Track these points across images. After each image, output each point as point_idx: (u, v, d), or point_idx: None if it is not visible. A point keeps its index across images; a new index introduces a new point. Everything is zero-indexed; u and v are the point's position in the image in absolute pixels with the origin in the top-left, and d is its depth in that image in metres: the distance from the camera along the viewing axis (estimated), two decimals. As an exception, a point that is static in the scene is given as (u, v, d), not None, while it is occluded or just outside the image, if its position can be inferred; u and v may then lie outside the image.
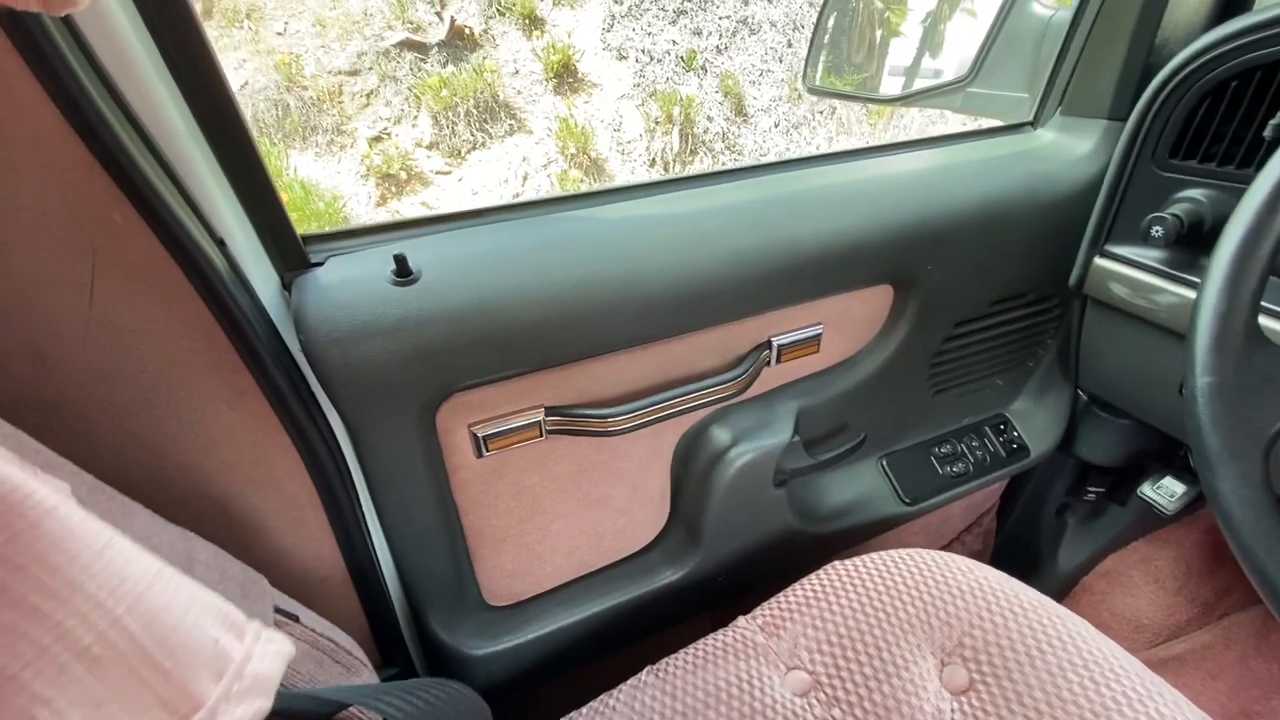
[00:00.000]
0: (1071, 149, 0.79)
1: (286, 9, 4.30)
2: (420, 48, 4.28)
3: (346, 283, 0.53)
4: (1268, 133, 0.61)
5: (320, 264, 0.55)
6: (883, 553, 0.69)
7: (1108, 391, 0.88)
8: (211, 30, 4.07)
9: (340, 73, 4.22)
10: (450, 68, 4.27)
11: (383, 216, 3.93)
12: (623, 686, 0.64)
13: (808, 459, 0.81)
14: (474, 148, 4.22)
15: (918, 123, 4.53)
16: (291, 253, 0.53)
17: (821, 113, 4.61)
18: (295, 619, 0.51)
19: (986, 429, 0.95)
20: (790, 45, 4.60)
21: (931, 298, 0.76)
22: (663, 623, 0.85)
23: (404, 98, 4.22)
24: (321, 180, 3.99)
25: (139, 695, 0.19)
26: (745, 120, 4.54)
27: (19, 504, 0.18)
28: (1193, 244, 0.69)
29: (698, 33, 4.55)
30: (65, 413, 0.43)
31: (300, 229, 0.54)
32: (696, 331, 0.66)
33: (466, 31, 4.36)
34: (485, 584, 0.73)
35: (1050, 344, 0.92)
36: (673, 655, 0.66)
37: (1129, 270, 0.74)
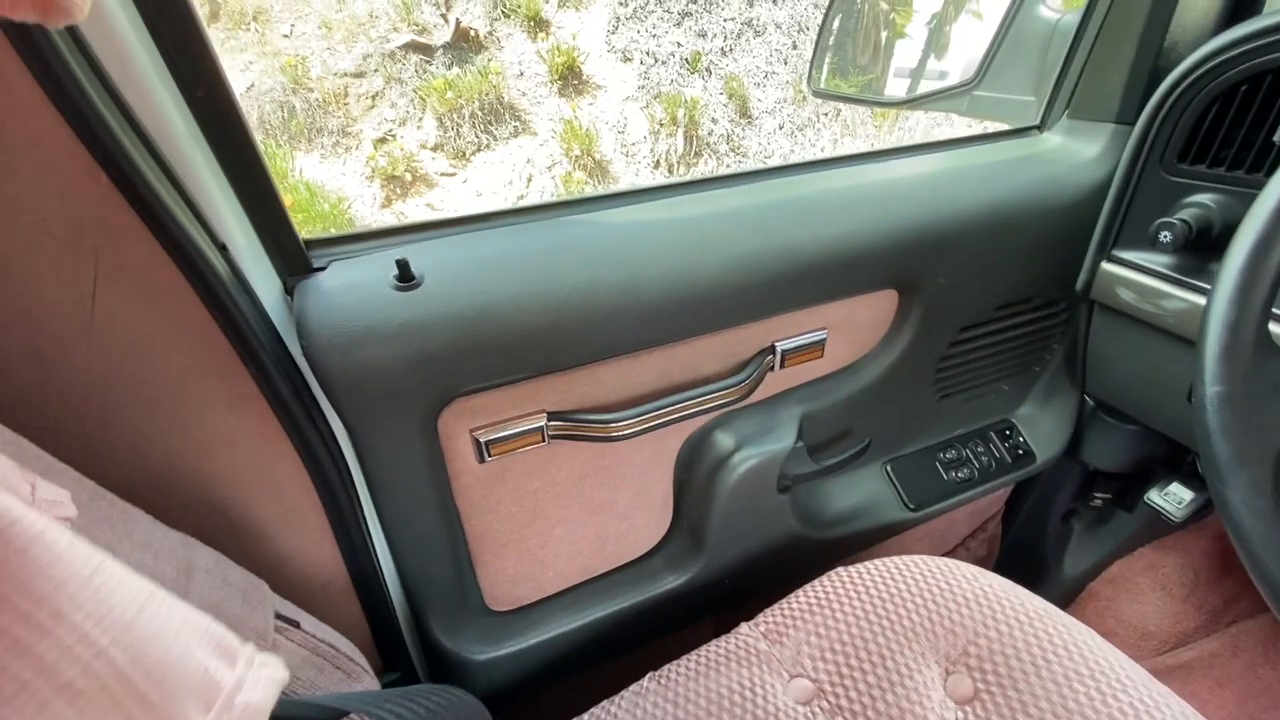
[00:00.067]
0: (1079, 153, 0.78)
1: (293, 11, 4.31)
2: (425, 50, 4.30)
3: (349, 287, 0.52)
4: (1278, 138, 0.61)
5: (323, 269, 0.54)
6: (887, 559, 0.69)
7: (1115, 397, 0.88)
8: (218, 32, 4.10)
9: (346, 75, 4.23)
10: (455, 70, 4.28)
11: (387, 217, 3.94)
12: (625, 693, 0.63)
13: (811, 464, 0.80)
14: (478, 149, 4.23)
15: (923, 125, 4.53)
16: (294, 257, 0.53)
17: (826, 115, 4.60)
18: (296, 625, 0.51)
19: (992, 434, 0.94)
20: (795, 47, 4.60)
21: (936, 302, 0.75)
22: (665, 628, 0.85)
23: (409, 100, 4.23)
24: (327, 182, 4.01)
25: None
26: (750, 122, 4.54)
27: (4, 530, 0.18)
28: (1201, 249, 0.69)
29: (702, 35, 4.55)
30: (66, 418, 0.43)
31: (305, 230, 0.54)
32: (700, 336, 0.66)
33: (471, 33, 4.38)
34: (487, 589, 0.73)
35: (1056, 349, 0.91)
36: (675, 662, 0.65)
37: (1137, 275, 0.74)
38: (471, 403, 0.59)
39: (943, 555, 1.08)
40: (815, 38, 1.16)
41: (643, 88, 4.44)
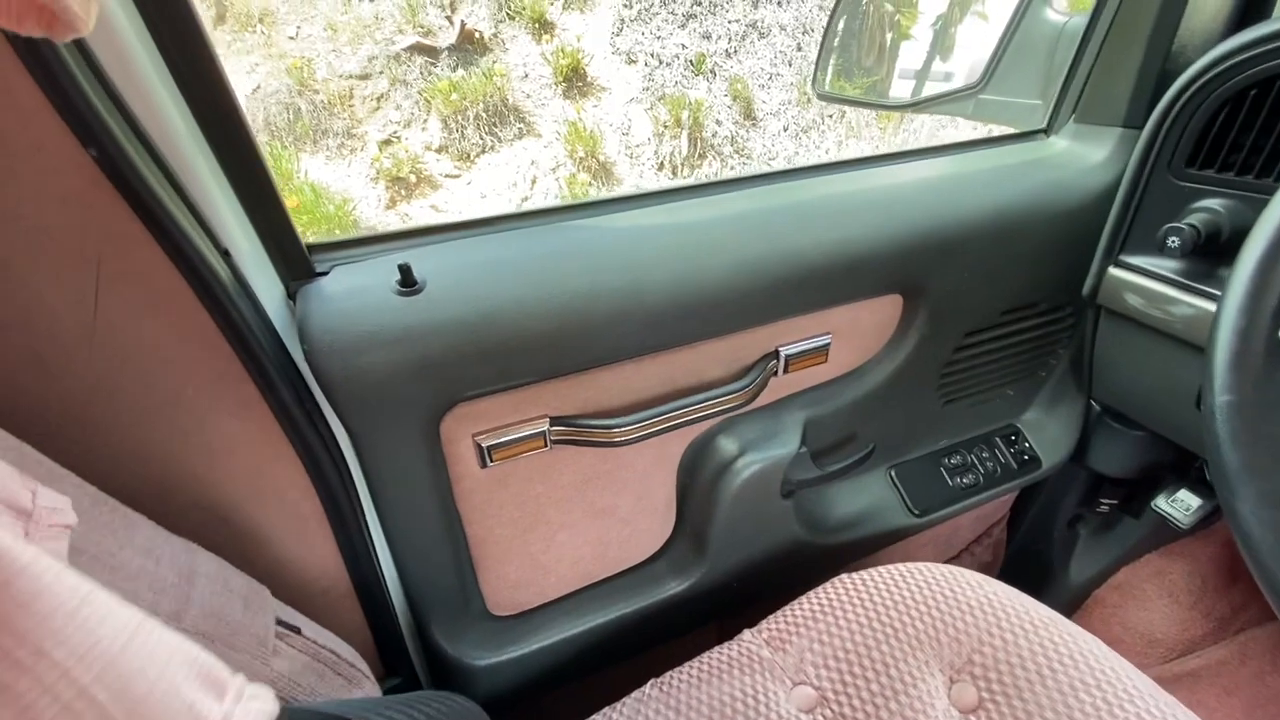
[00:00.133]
0: (1086, 157, 0.78)
1: (299, 13, 4.33)
2: (430, 52, 4.30)
3: (351, 292, 0.52)
4: (1288, 142, 0.60)
5: (325, 273, 0.54)
6: (891, 566, 0.68)
7: (1122, 402, 0.87)
8: (224, 35, 4.11)
9: (351, 76, 4.24)
10: (460, 72, 4.29)
11: (392, 219, 3.94)
12: (626, 700, 0.63)
13: (815, 470, 0.80)
14: (483, 151, 4.24)
15: (928, 127, 4.51)
16: (296, 262, 0.53)
17: (831, 117, 4.59)
18: (297, 631, 0.50)
19: (997, 440, 0.94)
20: (800, 49, 4.59)
21: (941, 307, 0.75)
22: (668, 634, 0.85)
23: (414, 101, 4.24)
24: (332, 183, 4.01)
25: None
26: (754, 124, 4.53)
27: None
28: (1210, 255, 0.68)
29: (707, 36, 4.55)
30: (68, 424, 0.43)
31: (311, 231, 0.53)
32: (703, 341, 0.65)
33: (476, 36, 4.38)
34: (489, 594, 0.73)
35: (1063, 354, 0.90)
36: (677, 669, 0.65)
37: (1144, 281, 0.73)
38: (474, 408, 0.59)
39: (947, 561, 1.08)
40: (820, 40, 1.15)
41: (647, 89, 4.43)
